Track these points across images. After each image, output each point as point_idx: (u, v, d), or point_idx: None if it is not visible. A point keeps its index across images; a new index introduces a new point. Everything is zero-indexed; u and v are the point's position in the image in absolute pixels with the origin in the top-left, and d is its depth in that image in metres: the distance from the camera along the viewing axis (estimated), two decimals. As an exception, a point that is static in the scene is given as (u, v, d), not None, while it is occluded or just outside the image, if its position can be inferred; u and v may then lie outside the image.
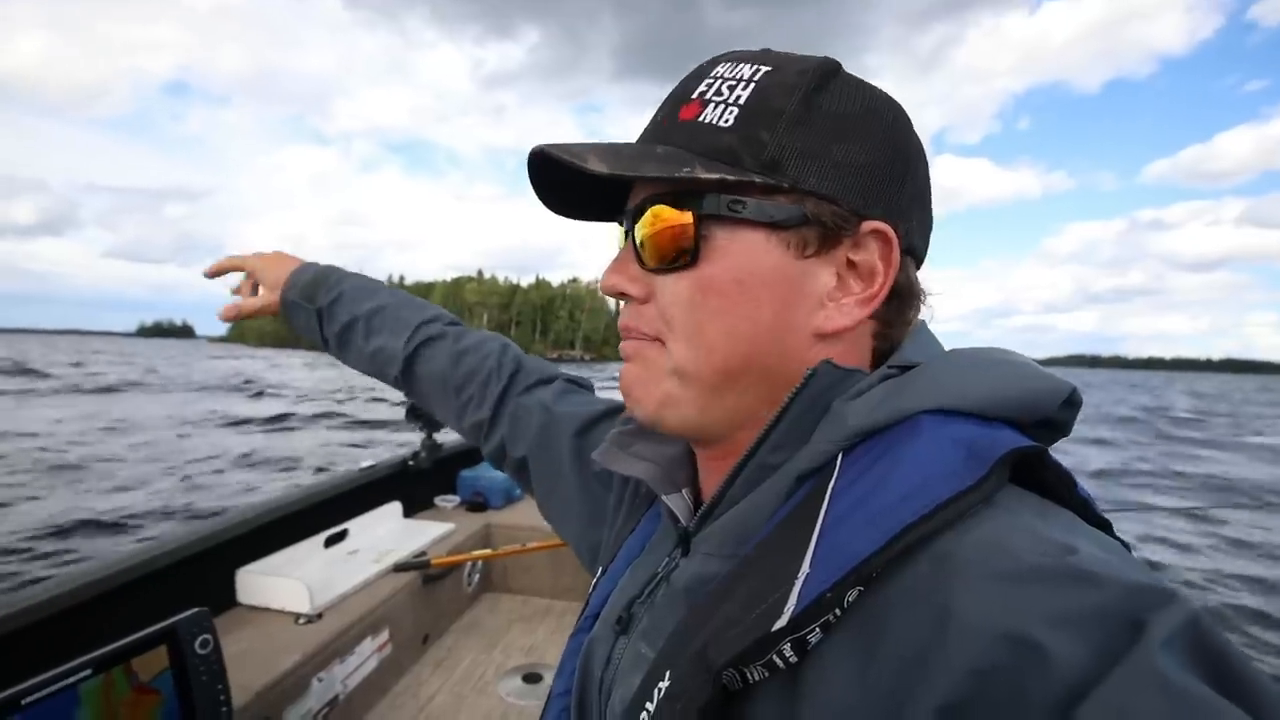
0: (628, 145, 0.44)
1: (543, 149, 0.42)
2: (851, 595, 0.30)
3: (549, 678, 1.62)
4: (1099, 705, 0.23)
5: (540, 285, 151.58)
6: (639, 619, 0.48)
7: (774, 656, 0.30)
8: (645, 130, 0.46)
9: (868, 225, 0.41)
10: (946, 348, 0.45)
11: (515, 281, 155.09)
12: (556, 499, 0.73)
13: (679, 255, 0.42)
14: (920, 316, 0.47)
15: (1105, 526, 0.35)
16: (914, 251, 0.45)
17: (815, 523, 0.34)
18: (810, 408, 0.41)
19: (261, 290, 0.91)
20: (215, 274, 0.93)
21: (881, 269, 0.42)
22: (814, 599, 0.30)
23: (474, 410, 0.78)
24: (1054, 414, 0.36)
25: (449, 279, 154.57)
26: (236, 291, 0.95)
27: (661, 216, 0.42)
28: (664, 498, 0.51)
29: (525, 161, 0.45)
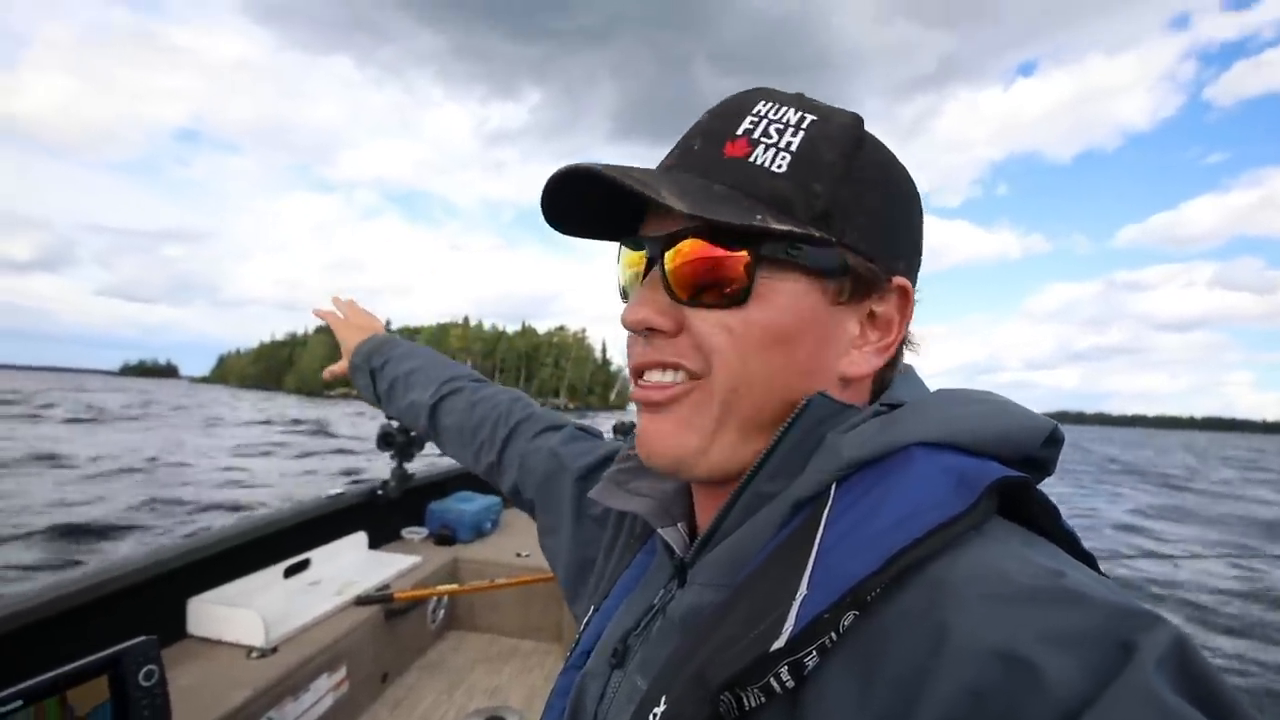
0: (684, 176, 0.43)
1: (602, 170, 0.40)
2: (847, 620, 0.30)
3: None
4: None
5: (526, 332, 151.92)
6: (635, 652, 0.48)
7: (771, 680, 0.30)
8: (678, 156, 0.45)
9: (896, 281, 0.44)
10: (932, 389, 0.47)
11: (501, 329, 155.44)
12: (555, 538, 0.75)
13: (728, 293, 0.42)
14: (908, 360, 0.49)
15: (1090, 561, 0.35)
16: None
17: (812, 547, 0.34)
18: (804, 438, 0.41)
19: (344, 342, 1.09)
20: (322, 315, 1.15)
21: (898, 321, 0.45)
22: (811, 620, 0.30)
23: (486, 453, 0.84)
24: (1037, 452, 0.37)
25: (434, 325, 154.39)
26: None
27: (707, 250, 0.42)
28: (660, 530, 0.51)
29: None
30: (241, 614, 1.53)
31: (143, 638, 1.10)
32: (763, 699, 0.31)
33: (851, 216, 0.42)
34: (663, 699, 0.35)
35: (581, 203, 0.47)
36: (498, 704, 1.83)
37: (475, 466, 0.87)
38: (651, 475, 0.54)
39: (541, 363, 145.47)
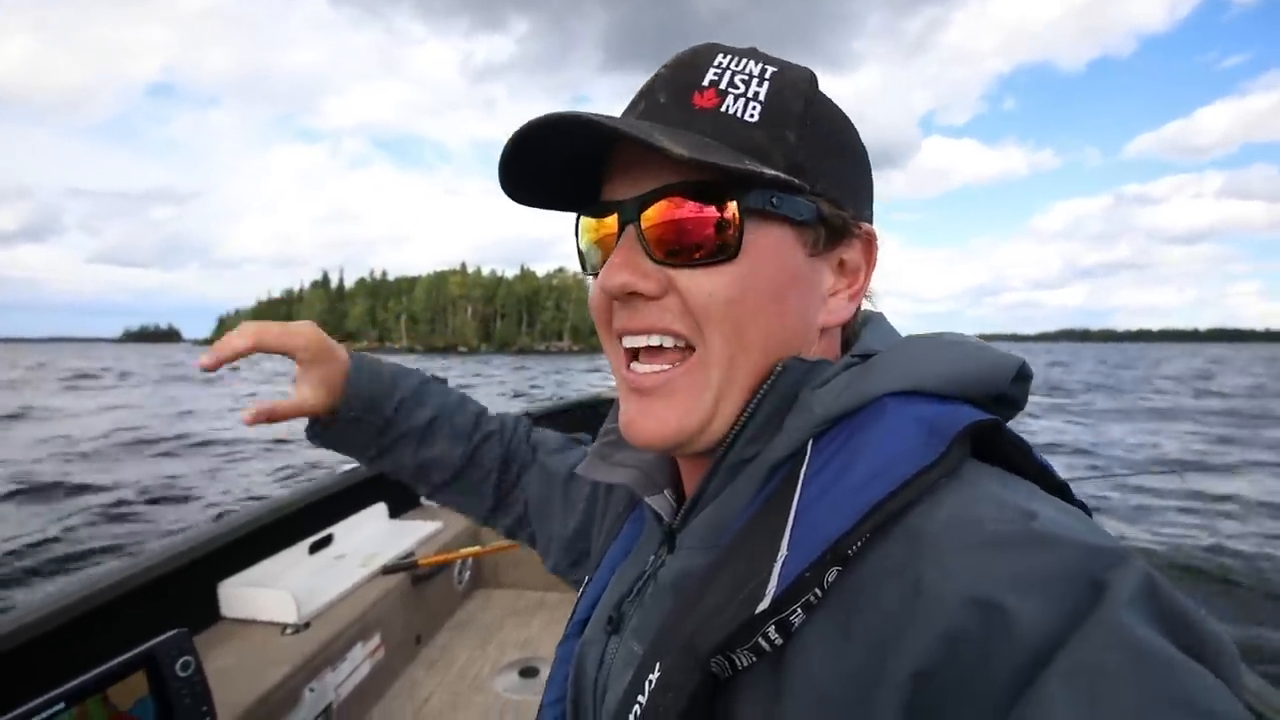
0: (660, 126, 0.40)
1: (578, 116, 0.37)
2: (831, 576, 0.31)
3: (545, 671, 1.62)
4: (1068, 665, 0.23)
5: (526, 277, 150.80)
6: (629, 618, 0.49)
7: (760, 640, 0.31)
8: (643, 110, 0.43)
9: (864, 228, 0.45)
10: (923, 331, 0.46)
11: (500, 274, 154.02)
12: (548, 540, 0.77)
13: (718, 250, 0.40)
14: (880, 310, 0.50)
15: (1064, 490, 0.36)
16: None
17: (790, 508, 0.35)
18: (781, 400, 0.42)
19: (303, 385, 0.69)
20: (217, 365, 0.63)
21: (864, 267, 0.45)
22: (793, 580, 0.31)
23: (491, 506, 0.82)
24: (1007, 389, 0.38)
25: (432, 273, 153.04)
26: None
27: (690, 207, 0.40)
28: (647, 499, 0.51)
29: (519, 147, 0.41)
30: (272, 593, 1.56)
31: (174, 631, 1.12)
32: (753, 658, 0.32)
33: (821, 165, 0.42)
34: (657, 665, 0.36)
35: (539, 170, 0.45)
36: (530, 654, 1.89)
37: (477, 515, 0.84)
38: (635, 447, 0.53)
39: (543, 306, 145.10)
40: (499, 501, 0.81)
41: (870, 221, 0.46)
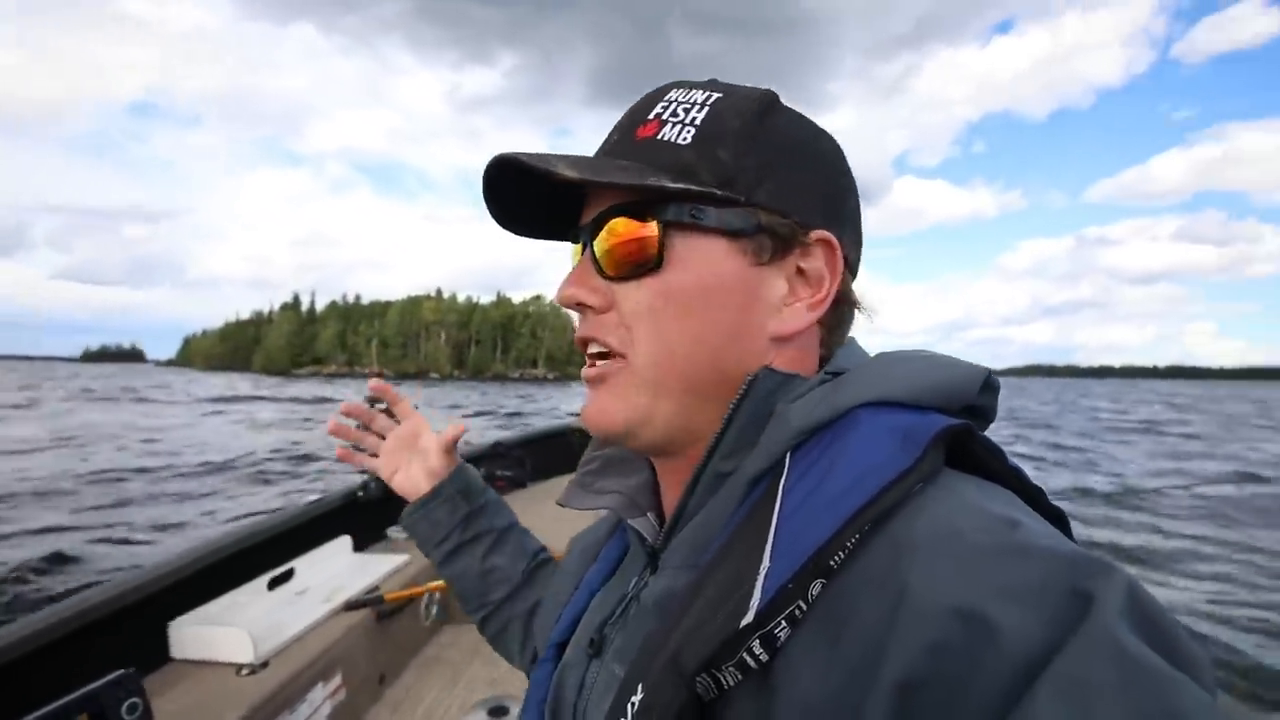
0: (589, 157, 0.45)
1: (509, 156, 0.42)
2: (815, 588, 0.31)
3: (515, 710, 1.56)
4: (1058, 678, 0.23)
5: (501, 303, 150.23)
6: (611, 640, 0.48)
7: (745, 655, 0.31)
8: (603, 147, 0.47)
9: (815, 234, 0.45)
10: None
11: (476, 300, 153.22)
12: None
13: (642, 263, 0.43)
14: (851, 334, 0.50)
15: (1038, 495, 0.36)
16: (850, 264, 0.48)
17: (771, 520, 0.35)
18: (756, 413, 0.42)
19: (415, 464, 0.82)
20: (359, 411, 0.84)
21: (828, 275, 0.45)
22: (777, 591, 0.31)
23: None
24: (976, 400, 0.39)
25: (406, 298, 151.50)
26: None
27: (624, 226, 0.43)
28: (631, 521, 0.52)
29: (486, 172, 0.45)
30: (227, 632, 1.48)
31: (120, 672, 1.06)
32: (739, 676, 0.31)
33: (762, 177, 0.43)
34: (639, 687, 0.35)
35: (523, 202, 0.49)
36: (499, 693, 1.83)
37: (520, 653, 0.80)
38: (616, 473, 0.55)
39: (518, 333, 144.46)
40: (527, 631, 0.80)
41: (837, 230, 0.45)
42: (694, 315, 0.43)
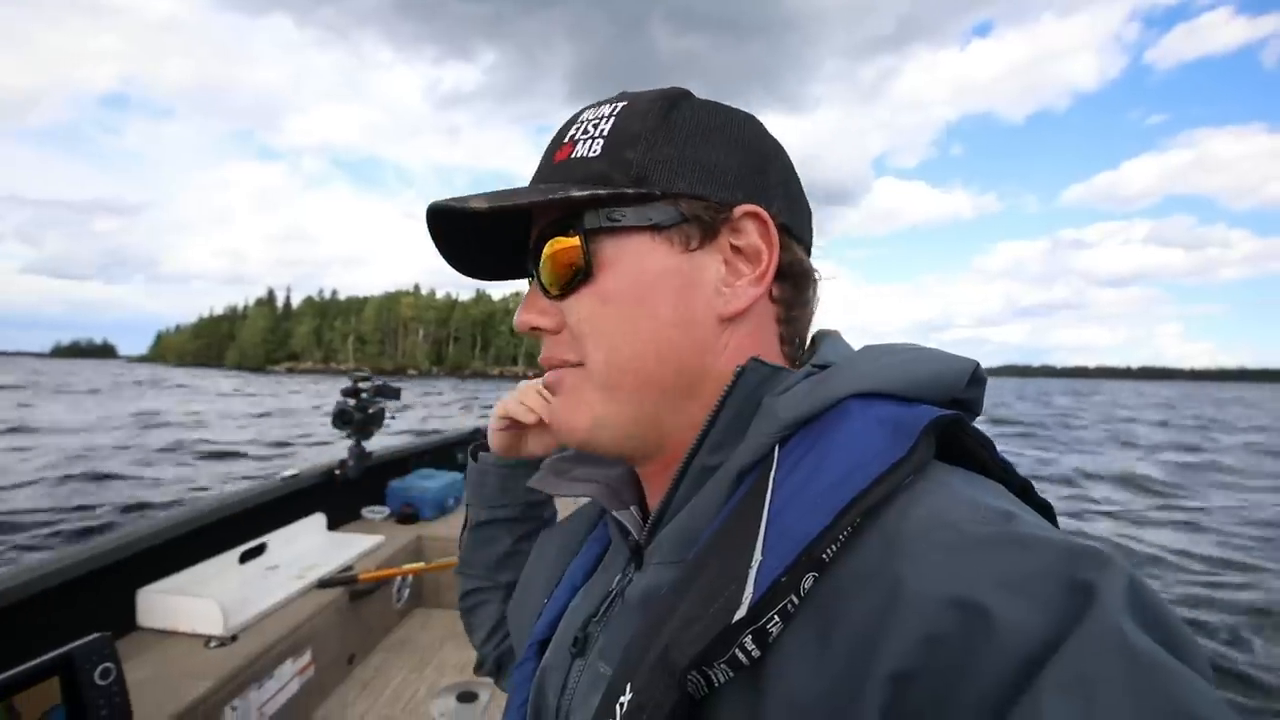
0: (507, 189, 0.47)
1: (434, 205, 0.44)
2: (807, 582, 0.30)
3: (485, 696, 1.57)
4: (1063, 672, 0.23)
5: (481, 300, 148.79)
6: (595, 639, 0.47)
7: (737, 651, 0.30)
8: (534, 176, 0.49)
9: (739, 210, 0.44)
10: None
11: (455, 297, 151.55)
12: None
13: (575, 275, 0.44)
14: (834, 330, 0.50)
15: (1026, 487, 0.37)
16: (794, 233, 0.47)
17: (761, 513, 0.34)
18: (743, 406, 0.42)
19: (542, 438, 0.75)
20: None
21: (764, 248, 0.45)
22: (770, 585, 0.30)
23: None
24: (963, 393, 0.38)
25: (383, 294, 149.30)
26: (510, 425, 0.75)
27: (553, 245, 0.45)
28: (614, 514, 0.51)
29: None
30: (197, 602, 1.48)
31: (95, 635, 1.05)
32: (730, 673, 0.31)
33: (676, 168, 0.44)
34: (628, 687, 0.34)
35: (490, 249, 0.51)
36: (469, 679, 1.83)
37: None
38: (593, 462, 0.55)
39: (497, 330, 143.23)
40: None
41: (764, 202, 0.45)
42: (634, 313, 0.43)
